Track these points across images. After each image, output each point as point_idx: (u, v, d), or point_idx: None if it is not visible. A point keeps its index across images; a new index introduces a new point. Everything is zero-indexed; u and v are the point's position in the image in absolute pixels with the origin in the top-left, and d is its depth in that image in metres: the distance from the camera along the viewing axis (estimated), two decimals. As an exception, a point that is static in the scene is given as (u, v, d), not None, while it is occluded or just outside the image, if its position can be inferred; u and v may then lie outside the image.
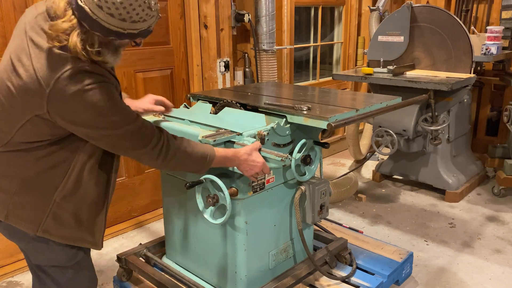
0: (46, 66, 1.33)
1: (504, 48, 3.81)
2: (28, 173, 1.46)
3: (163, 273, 2.29)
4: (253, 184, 1.93)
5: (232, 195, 1.88)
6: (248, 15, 3.46)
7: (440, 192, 3.78)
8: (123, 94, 1.75)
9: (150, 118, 2.09)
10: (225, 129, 1.90)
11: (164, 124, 2.03)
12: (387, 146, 3.40)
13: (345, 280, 2.34)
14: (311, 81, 4.74)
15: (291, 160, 1.95)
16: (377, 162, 4.36)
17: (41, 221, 1.50)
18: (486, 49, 3.59)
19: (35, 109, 1.36)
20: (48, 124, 1.39)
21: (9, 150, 1.46)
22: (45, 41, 1.33)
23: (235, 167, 1.78)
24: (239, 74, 3.70)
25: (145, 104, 1.97)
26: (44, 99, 1.33)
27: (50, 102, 1.33)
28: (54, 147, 1.45)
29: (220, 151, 1.70)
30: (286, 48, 4.00)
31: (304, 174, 2.11)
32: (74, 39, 1.29)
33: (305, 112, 1.95)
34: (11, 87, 1.38)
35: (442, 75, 3.31)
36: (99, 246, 1.64)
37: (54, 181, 1.48)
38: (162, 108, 2.02)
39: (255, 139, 1.85)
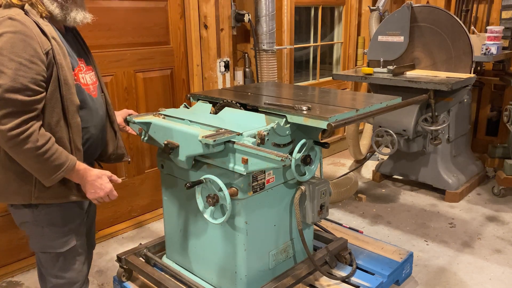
0: None
1: (504, 48, 3.81)
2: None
3: (163, 273, 2.29)
4: (253, 184, 1.93)
5: (232, 195, 1.88)
6: (248, 15, 3.46)
7: (440, 192, 3.78)
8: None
9: (150, 117, 2.10)
10: (225, 129, 1.90)
11: (164, 124, 2.03)
12: (387, 146, 3.41)
13: (345, 280, 2.34)
14: (311, 81, 4.74)
15: (291, 160, 1.95)
16: (377, 162, 4.36)
17: (32, 189, 1.57)
18: (486, 49, 3.59)
19: None
20: None
21: None
22: None
23: None
24: (239, 74, 3.70)
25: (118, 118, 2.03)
26: None
27: None
28: None
29: (77, 167, 1.60)
30: (286, 48, 4.00)
31: (304, 174, 2.11)
32: None
33: (305, 112, 1.95)
34: None
35: (442, 75, 3.31)
36: (85, 197, 1.68)
37: None
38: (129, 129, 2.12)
39: (255, 139, 1.85)
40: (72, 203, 1.70)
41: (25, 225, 1.68)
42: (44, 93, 1.49)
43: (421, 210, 3.54)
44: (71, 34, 1.72)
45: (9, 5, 1.49)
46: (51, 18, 1.57)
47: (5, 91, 1.38)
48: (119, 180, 1.77)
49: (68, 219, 1.70)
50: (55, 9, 1.55)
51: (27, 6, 1.50)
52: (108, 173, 1.70)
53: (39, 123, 1.48)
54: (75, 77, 1.62)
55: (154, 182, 3.41)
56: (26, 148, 1.44)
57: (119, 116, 2.08)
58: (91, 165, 1.73)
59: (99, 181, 1.65)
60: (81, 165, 1.61)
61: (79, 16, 1.61)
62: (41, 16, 1.53)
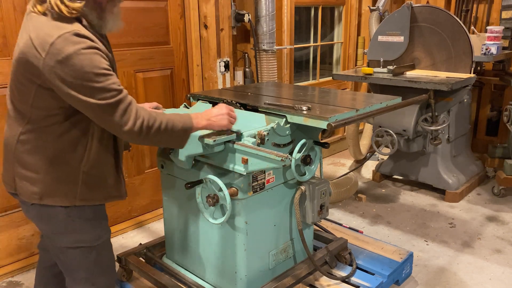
0: (41, 34, 1.43)
1: (504, 48, 3.81)
2: (54, 151, 1.56)
3: (163, 273, 2.29)
4: (253, 184, 1.93)
5: (232, 195, 1.89)
6: (248, 15, 3.46)
7: (440, 192, 3.78)
8: None
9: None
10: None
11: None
12: (387, 146, 3.40)
13: (345, 280, 2.34)
14: (311, 81, 4.74)
15: (291, 160, 1.95)
16: (377, 162, 4.36)
17: (76, 191, 1.61)
18: (486, 49, 3.59)
19: (35, 78, 1.45)
20: (51, 95, 1.47)
21: (33, 128, 1.55)
22: (39, 15, 1.46)
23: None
24: (239, 74, 3.70)
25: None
26: (40, 65, 1.42)
27: (46, 67, 1.41)
28: (68, 123, 1.54)
29: (194, 120, 1.72)
30: (286, 48, 4.00)
31: (304, 174, 2.11)
32: None
33: (305, 112, 1.95)
34: (15, 63, 1.50)
35: (442, 75, 3.31)
36: (124, 196, 1.78)
37: (78, 155, 1.59)
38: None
39: (255, 139, 1.85)
40: None
41: (54, 221, 1.65)
42: None
43: (421, 210, 3.54)
44: (105, 38, 1.74)
45: (61, 17, 1.46)
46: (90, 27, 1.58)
47: (107, 99, 1.45)
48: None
49: (98, 212, 1.72)
50: (94, 19, 1.55)
51: (85, 22, 1.52)
52: (209, 107, 1.81)
53: (143, 107, 1.60)
54: None
55: (154, 182, 3.41)
56: (154, 132, 1.56)
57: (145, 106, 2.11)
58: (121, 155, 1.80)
59: (214, 113, 1.78)
60: (192, 114, 1.73)
61: (115, 26, 1.63)
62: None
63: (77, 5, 1.46)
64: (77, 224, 1.66)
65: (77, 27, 1.46)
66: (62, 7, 1.44)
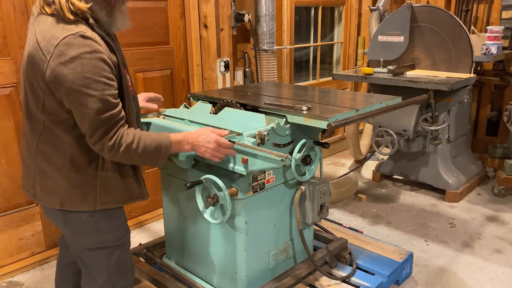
0: (47, 36, 1.41)
1: (504, 48, 3.81)
2: (69, 158, 1.55)
3: (163, 273, 2.29)
4: (253, 184, 1.93)
5: (232, 195, 1.89)
6: (248, 15, 3.46)
7: (440, 192, 3.78)
8: None
9: (150, 118, 2.10)
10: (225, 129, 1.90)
11: (164, 124, 2.03)
12: (387, 146, 3.40)
13: (345, 280, 2.34)
14: (311, 81, 4.74)
15: (291, 160, 1.95)
16: (377, 162, 4.36)
17: (96, 197, 1.60)
18: (486, 49, 3.59)
19: (41, 80, 1.44)
20: (55, 99, 1.46)
21: (48, 137, 1.55)
22: (46, 17, 1.44)
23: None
24: (239, 74, 3.70)
25: (139, 102, 2.01)
26: (45, 67, 1.40)
27: (49, 68, 1.40)
28: (79, 129, 1.52)
29: (174, 138, 1.67)
30: (286, 48, 4.00)
31: (304, 174, 2.11)
32: None
33: (305, 112, 1.95)
34: (25, 66, 1.49)
35: (442, 75, 3.31)
36: (145, 197, 1.75)
37: (93, 161, 1.58)
38: (155, 106, 2.10)
39: (255, 139, 1.85)
40: None
41: (77, 223, 1.64)
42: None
43: (421, 210, 3.54)
44: (114, 37, 1.70)
45: (68, 17, 1.44)
46: (98, 25, 1.54)
47: (100, 113, 1.43)
48: (225, 132, 1.79)
49: (119, 211, 1.71)
50: (103, 17, 1.52)
51: (91, 20, 1.48)
52: (206, 128, 1.75)
53: (126, 125, 1.54)
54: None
55: (154, 182, 3.41)
56: (127, 151, 1.51)
57: (142, 96, 2.09)
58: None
59: (202, 137, 1.71)
60: (178, 136, 1.67)
61: (124, 25, 1.60)
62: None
63: (85, 5, 1.44)
64: (101, 224, 1.64)
65: (82, 28, 1.43)
66: (71, 7, 1.42)
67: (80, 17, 1.45)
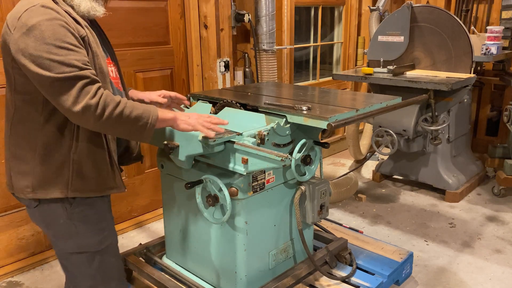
0: (14, 13, 1.41)
1: (504, 48, 3.81)
2: (41, 140, 1.51)
3: (163, 273, 2.29)
4: (253, 184, 1.93)
5: (232, 195, 1.88)
6: (248, 15, 3.46)
7: (440, 192, 3.78)
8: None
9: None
10: (225, 129, 1.90)
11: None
12: (387, 146, 3.40)
13: (345, 280, 2.34)
14: (311, 81, 4.74)
15: (291, 160, 1.95)
16: (377, 162, 4.36)
17: (68, 181, 1.54)
18: (486, 49, 3.59)
19: (9, 57, 1.42)
20: (24, 75, 1.42)
21: (19, 118, 1.51)
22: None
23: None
24: (239, 74, 3.70)
25: (151, 95, 2.00)
26: (11, 41, 1.39)
27: (13, 42, 1.38)
28: (51, 108, 1.48)
29: (161, 115, 1.60)
30: (286, 48, 4.00)
31: (304, 174, 2.11)
32: None
33: (305, 112, 1.95)
34: (1, 50, 1.48)
35: (442, 75, 3.31)
36: (122, 188, 1.68)
37: (66, 142, 1.53)
38: (165, 100, 2.03)
39: (255, 139, 1.85)
40: (104, 197, 1.67)
41: (56, 225, 1.60)
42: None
43: (421, 210, 3.54)
44: (95, 29, 1.67)
45: None
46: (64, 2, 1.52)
47: (68, 74, 1.36)
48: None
49: (101, 215, 1.66)
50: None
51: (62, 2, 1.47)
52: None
53: (106, 90, 1.47)
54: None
55: (154, 182, 3.41)
56: (114, 113, 1.43)
57: (153, 94, 2.03)
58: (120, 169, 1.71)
59: (184, 115, 1.68)
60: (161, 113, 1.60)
61: (94, 10, 1.57)
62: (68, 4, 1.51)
63: None
64: (78, 227, 1.60)
65: (45, 1, 1.41)
66: None
67: None
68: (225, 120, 1.82)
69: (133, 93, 2.00)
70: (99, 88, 1.42)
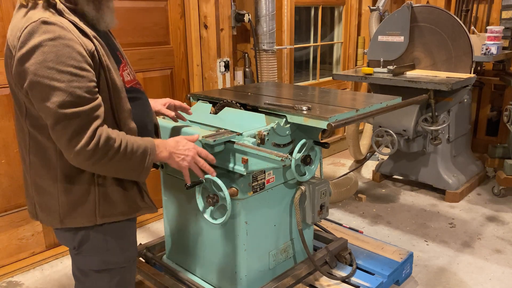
0: (14, 30, 1.29)
1: (504, 48, 3.81)
2: (61, 168, 1.40)
3: (163, 273, 2.29)
4: (253, 184, 1.93)
5: (232, 195, 1.88)
6: (248, 15, 3.46)
7: (440, 192, 3.78)
8: None
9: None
10: (225, 129, 1.90)
11: (164, 124, 2.03)
12: (387, 146, 3.40)
13: (345, 280, 2.34)
14: (311, 81, 4.74)
15: (291, 160, 1.95)
16: (377, 162, 4.36)
17: (95, 208, 1.44)
18: (486, 49, 3.59)
19: (14, 82, 1.32)
20: (29, 101, 1.32)
21: (36, 148, 1.42)
22: (22, 10, 1.31)
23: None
24: (239, 74, 3.70)
25: (156, 104, 1.91)
26: (14, 63, 1.27)
27: (14, 65, 1.27)
28: None
29: (156, 141, 1.51)
30: (286, 48, 4.00)
31: (304, 174, 2.11)
32: None
33: (305, 112, 1.95)
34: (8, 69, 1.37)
35: (442, 75, 3.31)
36: (154, 209, 1.59)
37: None
38: (172, 113, 1.96)
39: (255, 139, 1.85)
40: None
41: (85, 243, 1.48)
42: (99, 97, 1.33)
43: (421, 210, 3.54)
44: (101, 34, 1.51)
45: (35, 6, 1.30)
46: (83, 19, 1.39)
47: (65, 108, 1.24)
48: (195, 136, 1.64)
49: (129, 228, 1.57)
50: (91, 11, 1.39)
51: (59, 5, 1.31)
52: (181, 136, 1.60)
53: (105, 125, 1.34)
54: (121, 78, 1.47)
55: (154, 182, 3.40)
56: (110, 156, 1.32)
57: (159, 103, 1.93)
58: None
59: (181, 145, 1.55)
60: (156, 140, 1.50)
61: (112, 22, 1.50)
62: (75, 13, 1.36)
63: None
64: (110, 244, 1.50)
65: (46, 14, 1.27)
66: None
67: (49, 3, 1.30)
68: (210, 155, 1.70)
69: None
70: (97, 128, 1.30)
